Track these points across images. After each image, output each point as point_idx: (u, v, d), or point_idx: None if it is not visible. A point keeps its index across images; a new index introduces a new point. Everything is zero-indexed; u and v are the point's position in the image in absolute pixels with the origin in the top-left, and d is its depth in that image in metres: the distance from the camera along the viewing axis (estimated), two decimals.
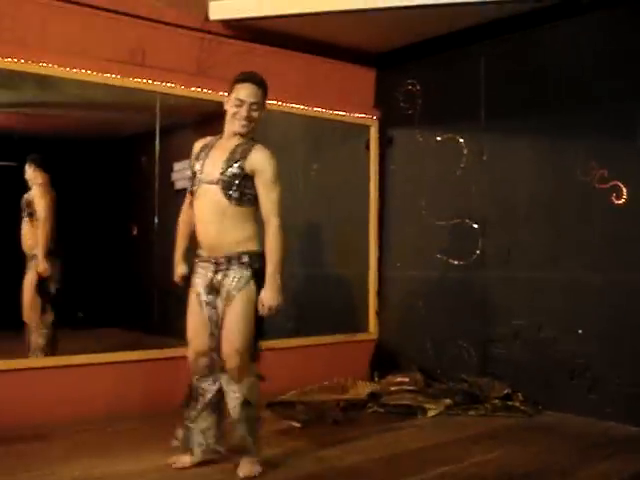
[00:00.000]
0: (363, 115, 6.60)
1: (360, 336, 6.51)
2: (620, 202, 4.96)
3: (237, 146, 3.71)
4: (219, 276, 3.68)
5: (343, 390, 5.59)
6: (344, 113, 6.44)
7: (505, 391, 5.36)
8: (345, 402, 5.32)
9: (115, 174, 7.83)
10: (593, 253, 5.12)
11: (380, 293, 6.62)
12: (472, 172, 5.90)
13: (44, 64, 4.87)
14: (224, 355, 3.66)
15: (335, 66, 6.39)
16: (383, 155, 6.67)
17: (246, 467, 3.70)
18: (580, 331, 5.14)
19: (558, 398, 5.26)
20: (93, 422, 4.78)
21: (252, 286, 3.65)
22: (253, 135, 3.79)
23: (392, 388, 5.59)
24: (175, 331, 6.69)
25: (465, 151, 5.95)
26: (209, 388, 3.78)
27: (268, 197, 3.66)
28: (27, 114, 6.14)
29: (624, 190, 4.94)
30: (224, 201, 3.63)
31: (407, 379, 5.69)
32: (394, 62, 6.53)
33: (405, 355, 6.29)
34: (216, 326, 3.70)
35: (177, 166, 7.81)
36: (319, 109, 6.30)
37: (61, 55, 4.93)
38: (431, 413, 5.14)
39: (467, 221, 5.88)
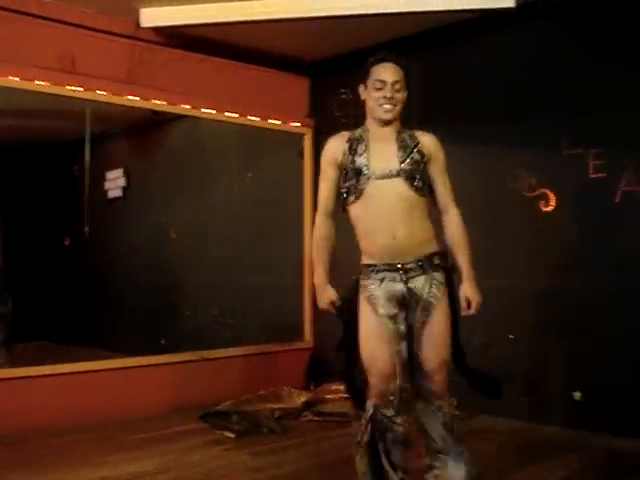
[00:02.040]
0: (297, 124, 6.59)
1: (296, 345, 6.50)
2: (548, 209, 5.08)
3: (399, 133, 3.28)
4: (411, 284, 3.20)
5: (278, 399, 5.55)
6: (278, 122, 6.42)
7: None
8: (280, 411, 5.30)
9: (46, 183, 7.69)
10: (523, 259, 5.22)
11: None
12: None
13: None
14: (430, 370, 3.22)
15: (269, 74, 6.37)
16: (317, 164, 6.66)
17: None
18: (512, 336, 5.22)
19: (491, 402, 5.31)
20: (36, 434, 4.68)
21: (447, 291, 3.29)
22: (399, 122, 3.32)
23: (327, 396, 5.58)
24: (105, 343, 6.63)
25: None
26: (397, 418, 3.30)
27: (445, 184, 3.30)
28: None
29: (552, 197, 5.05)
30: (410, 193, 3.15)
31: (342, 387, 5.70)
32: (327, 71, 6.54)
33: (340, 363, 6.28)
34: (405, 344, 3.22)
35: (110, 175, 7.71)
36: (253, 117, 6.26)
37: None
38: None
39: None
